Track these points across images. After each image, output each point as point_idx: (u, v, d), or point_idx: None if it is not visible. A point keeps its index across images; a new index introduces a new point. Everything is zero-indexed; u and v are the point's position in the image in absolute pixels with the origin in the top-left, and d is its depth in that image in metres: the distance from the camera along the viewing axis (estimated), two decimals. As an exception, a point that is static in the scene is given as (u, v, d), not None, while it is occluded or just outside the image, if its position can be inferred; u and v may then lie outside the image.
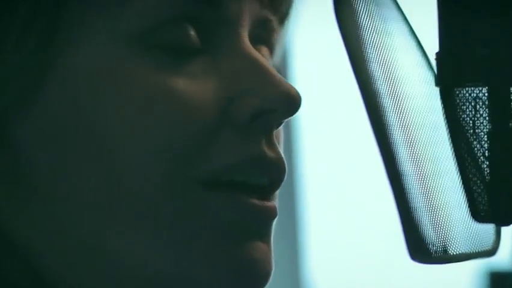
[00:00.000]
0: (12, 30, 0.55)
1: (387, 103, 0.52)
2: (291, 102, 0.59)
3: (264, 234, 0.60)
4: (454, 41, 0.52)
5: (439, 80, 0.52)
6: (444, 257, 0.53)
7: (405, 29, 0.58)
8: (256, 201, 0.59)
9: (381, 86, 0.52)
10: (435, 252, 0.53)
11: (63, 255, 0.58)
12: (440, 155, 0.55)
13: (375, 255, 1.79)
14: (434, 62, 0.53)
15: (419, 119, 0.54)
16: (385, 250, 1.70)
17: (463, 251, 0.55)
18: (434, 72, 0.54)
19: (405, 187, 0.52)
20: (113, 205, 0.57)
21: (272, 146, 0.60)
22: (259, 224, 0.60)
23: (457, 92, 0.52)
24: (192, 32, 0.58)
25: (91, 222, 0.58)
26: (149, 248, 0.57)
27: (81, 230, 0.58)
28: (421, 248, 0.52)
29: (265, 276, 0.60)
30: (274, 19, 0.63)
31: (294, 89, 0.59)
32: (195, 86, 0.58)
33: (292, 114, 0.59)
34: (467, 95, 0.52)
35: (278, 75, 0.59)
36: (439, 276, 1.73)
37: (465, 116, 0.52)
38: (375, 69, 0.52)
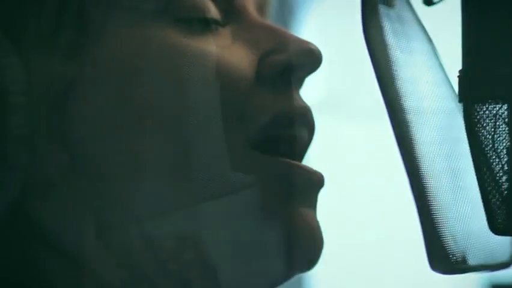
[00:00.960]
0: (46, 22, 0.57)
1: (412, 119, 0.54)
2: (315, 57, 0.62)
3: (315, 202, 0.63)
4: (476, 60, 0.53)
5: (461, 97, 0.54)
6: (463, 267, 0.55)
7: (428, 47, 0.60)
8: (309, 169, 0.62)
9: (408, 103, 0.54)
10: (456, 262, 0.54)
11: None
12: (461, 169, 0.57)
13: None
14: (456, 80, 0.55)
15: (442, 134, 0.56)
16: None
17: (481, 262, 0.57)
18: (455, 89, 0.56)
19: (428, 200, 0.53)
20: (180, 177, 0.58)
21: (302, 99, 0.63)
22: (313, 190, 0.63)
23: (478, 109, 0.54)
24: (213, 7, 0.61)
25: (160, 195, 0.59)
26: (212, 217, 0.60)
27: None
28: (442, 258, 0.54)
29: (322, 246, 0.62)
30: None
31: (315, 46, 0.62)
32: (226, 51, 0.60)
33: (316, 68, 0.62)
34: (487, 112, 0.54)
35: (298, 36, 0.62)
36: (441, 288, 1.74)
37: (485, 132, 0.54)
38: (402, 86, 0.54)
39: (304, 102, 0.63)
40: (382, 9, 0.55)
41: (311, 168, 0.62)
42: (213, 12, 0.61)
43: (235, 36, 0.61)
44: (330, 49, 0.66)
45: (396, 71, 0.54)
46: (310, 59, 0.63)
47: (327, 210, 0.64)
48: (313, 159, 0.66)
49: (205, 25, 0.60)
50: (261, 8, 0.66)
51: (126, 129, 0.58)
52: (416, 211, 0.54)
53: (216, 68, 0.59)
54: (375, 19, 0.54)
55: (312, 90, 0.67)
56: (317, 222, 0.62)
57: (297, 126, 0.61)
